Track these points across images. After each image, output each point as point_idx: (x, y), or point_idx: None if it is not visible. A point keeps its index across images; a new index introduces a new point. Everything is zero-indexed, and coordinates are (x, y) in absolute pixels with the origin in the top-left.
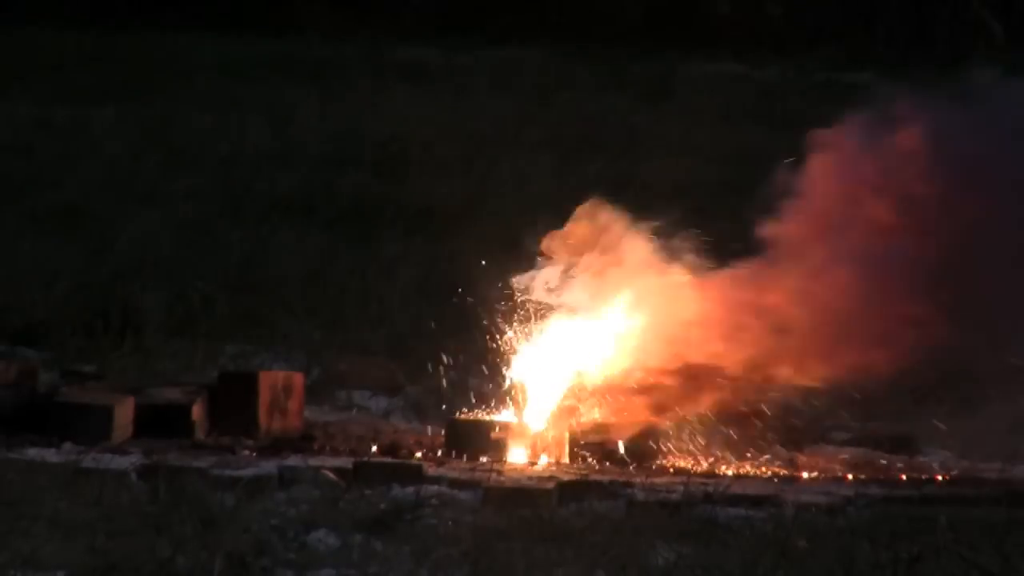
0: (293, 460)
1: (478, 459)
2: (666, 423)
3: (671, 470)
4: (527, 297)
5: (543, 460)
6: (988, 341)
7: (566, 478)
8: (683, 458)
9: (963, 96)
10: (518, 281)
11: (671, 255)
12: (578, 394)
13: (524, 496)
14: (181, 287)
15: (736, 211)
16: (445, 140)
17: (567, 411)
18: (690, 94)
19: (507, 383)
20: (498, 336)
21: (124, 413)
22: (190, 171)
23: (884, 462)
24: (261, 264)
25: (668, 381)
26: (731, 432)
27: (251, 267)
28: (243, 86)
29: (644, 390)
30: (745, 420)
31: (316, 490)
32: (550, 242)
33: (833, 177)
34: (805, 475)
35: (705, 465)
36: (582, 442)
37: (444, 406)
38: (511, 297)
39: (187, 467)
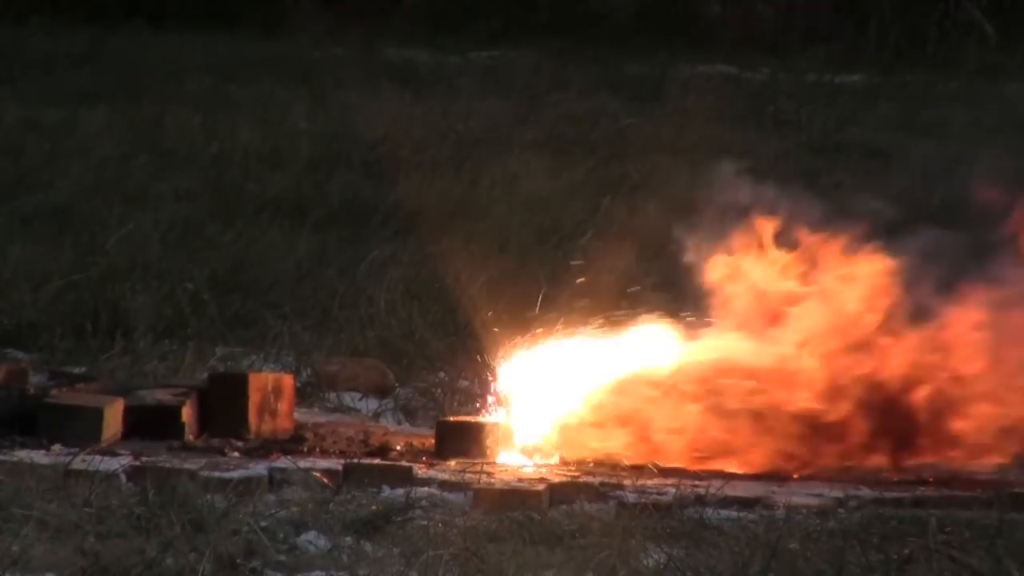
0: (283, 462)
1: (469, 460)
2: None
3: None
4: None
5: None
6: None
7: (556, 480)
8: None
9: None
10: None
11: None
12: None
13: (514, 498)
14: (171, 289)
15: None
16: (436, 141)
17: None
18: (681, 95)
19: (498, 385)
20: (490, 337)
21: (114, 415)
22: (180, 172)
23: None
24: (251, 265)
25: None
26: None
27: (241, 269)
28: (233, 87)
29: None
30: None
31: (306, 492)
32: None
33: None
34: (796, 476)
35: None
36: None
37: (434, 408)
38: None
39: (177, 469)
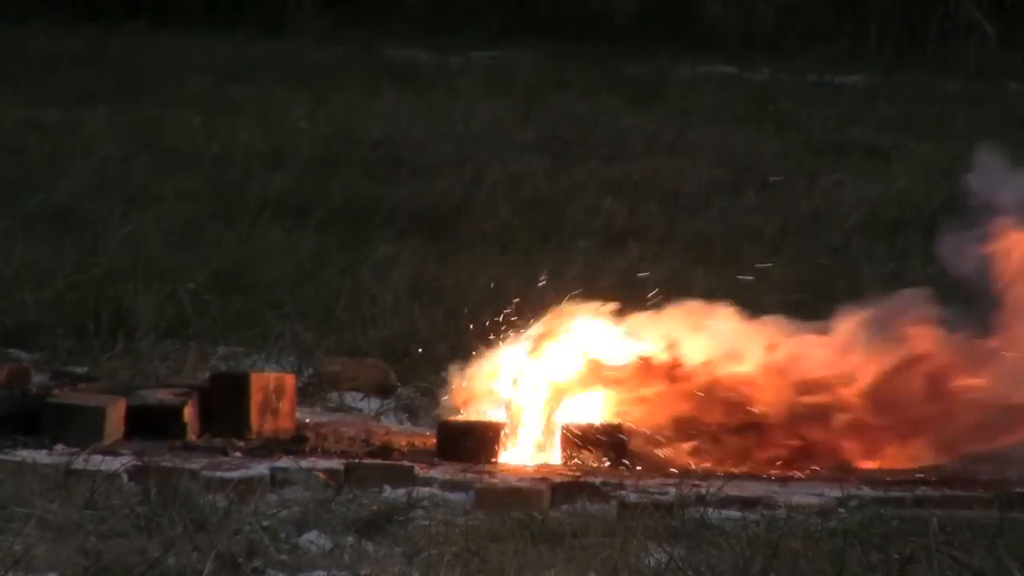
0: (285, 461)
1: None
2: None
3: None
4: None
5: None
6: None
7: (558, 479)
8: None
9: None
10: None
11: None
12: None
13: (516, 497)
14: (172, 288)
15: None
16: (437, 141)
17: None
18: (682, 95)
19: (498, 384)
20: (490, 337)
21: (116, 414)
22: (182, 172)
23: None
24: (253, 265)
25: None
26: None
27: (243, 268)
28: (234, 87)
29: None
30: None
31: (308, 491)
32: None
33: None
34: (797, 476)
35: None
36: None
37: (436, 408)
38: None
39: (178, 468)
